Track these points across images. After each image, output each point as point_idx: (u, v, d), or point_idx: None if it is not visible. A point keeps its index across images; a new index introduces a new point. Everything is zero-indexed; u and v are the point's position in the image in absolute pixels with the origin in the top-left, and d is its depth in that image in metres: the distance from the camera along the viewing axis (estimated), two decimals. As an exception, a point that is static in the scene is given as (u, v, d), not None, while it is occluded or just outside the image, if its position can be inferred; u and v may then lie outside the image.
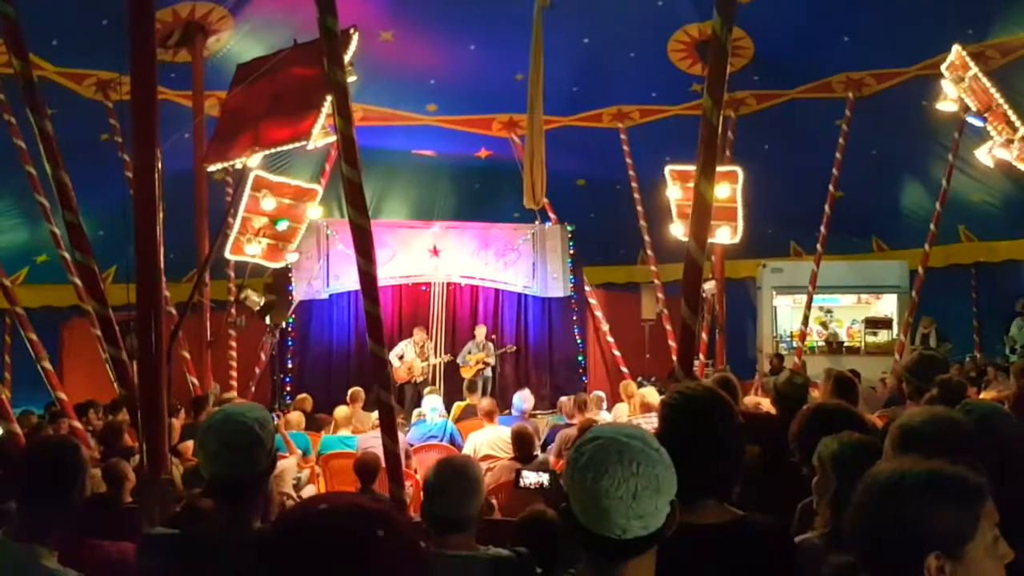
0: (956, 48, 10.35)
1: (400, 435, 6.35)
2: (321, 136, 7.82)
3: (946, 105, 10.88)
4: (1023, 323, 13.28)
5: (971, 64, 10.14)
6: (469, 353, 13.21)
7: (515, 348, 14.07)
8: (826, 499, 2.47)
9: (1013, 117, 9.89)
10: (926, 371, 4.51)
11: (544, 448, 7.79)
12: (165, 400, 4.46)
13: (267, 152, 8.03)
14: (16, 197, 11.56)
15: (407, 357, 12.95)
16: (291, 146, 7.93)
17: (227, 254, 10.32)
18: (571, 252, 14.63)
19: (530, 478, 3.40)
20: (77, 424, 8.36)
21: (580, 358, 14.74)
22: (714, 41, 4.98)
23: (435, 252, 13.96)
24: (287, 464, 7.10)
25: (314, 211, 11.01)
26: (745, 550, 2.03)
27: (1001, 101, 9.95)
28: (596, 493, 1.45)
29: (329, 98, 6.21)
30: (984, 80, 10.05)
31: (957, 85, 10.34)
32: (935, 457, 1.76)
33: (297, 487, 7.38)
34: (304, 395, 10.76)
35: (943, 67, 10.54)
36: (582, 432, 1.80)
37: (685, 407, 2.16)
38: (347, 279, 13.28)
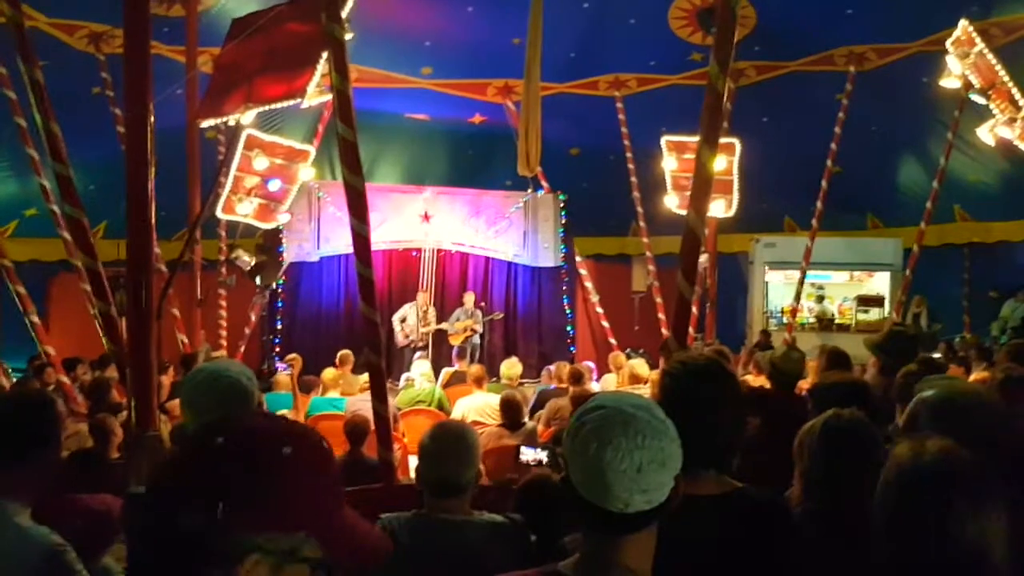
0: (963, 23, 10.24)
1: (389, 399, 6.34)
2: (316, 94, 7.70)
3: (949, 82, 10.80)
4: (1016, 304, 13.31)
5: (977, 40, 10.04)
6: (457, 320, 13.19)
7: (502, 315, 14.04)
8: (798, 471, 2.43)
9: (1017, 95, 9.82)
10: (895, 346, 4.49)
11: (532, 414, 7.80)
12: (154, 357, 4.41)
13: (261, 109, 7.90)
14: (6, 149, 11.41)
15: (409, 321, 12.92)
16: (285, 103, 7.80)
17: (219, 213, 10.23)
18: (563, 222, 14.57)
19: (528, 454, 3.39)
20: (64, 379, 8.31)
21: (568, 328, 14.75)
22: (722, 6, 4.89)
23: (426, 218, 13.88)
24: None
25: (306, 172, 10.90)
26: (743, 522, 2.02)
27: (1006, 79, 9.88)
28: (599, 465, 1.40)
29: (325, 55, 6.10)
30: (990, 57, 9.96)
31: (962, 61, 10.26)
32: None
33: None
34: (294, 355, 10.71)
35: (948, 42, 10.44)
36: (575, 403, 1.75)
37: (687, 377, 2.13)
38: (338, 242, 13.22)
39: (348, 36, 5.73)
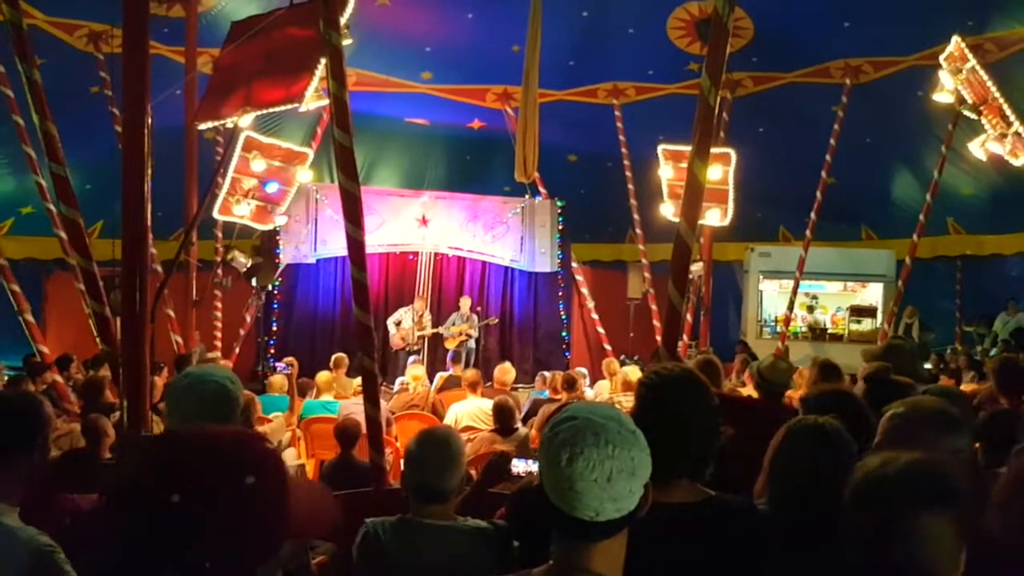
0: (956, 39, 10.32)
1: (382, 403, 6.36)
2: (314, 99, 7.74)
3: (942, 96, 10.85)
4: (1008, 318, 13.35)
5: (970, 56, 10.11)
6: (453, 324, 13.22)
7: (497, 320, 14.06)
8: (764, 465, 2.46)
9: (1008, 111, 9.89)
10: (892, 361, 4.50)
11: (525, 421, 7.82)
12: (148, 358, 4.43)
13: (259, 112, 7.95)
14: (3, 147, 11.43)
15: (404, 325, 12.95)
16: (283, 107, 7.85)
17: (215, 214, 10.26)
18: (560, 228, 14.61)
19: (520, 466, 3.43)
20: (58, 378, 8.31)
21: (564, 334, 14.77)
22: (715, 20, 4.93)
23: (424, 222, 13.90)
24: (273, 427, 7.10)
25: (304, 175, 10.95)
26: (715, 529, 2.06)
27: (997, 95, 9.94)
28: (570, 475, 1.45)
29: (323, 61, 6.14)
30: (981, 73, 10.03)
31: (955, 77, 10.32)
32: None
33: (277, 450, 7.39)
34: (291, 358, 10.75)
35: (942, 58, 10.50)
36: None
37: (660, 387, 2.19)
38: (335, 244, 13.23)
39: (347, 42, 5.78)
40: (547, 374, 9.95)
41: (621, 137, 13.80)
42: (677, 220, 5.35)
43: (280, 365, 9.16)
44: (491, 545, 2.64)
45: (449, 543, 2.59)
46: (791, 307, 13.56)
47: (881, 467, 1.61)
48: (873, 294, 14.82)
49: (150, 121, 4.52)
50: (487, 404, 7.30)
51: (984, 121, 10.15)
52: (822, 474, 2.20)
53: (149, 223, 4.55)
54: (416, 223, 13.88)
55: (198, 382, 2.22)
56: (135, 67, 4.50)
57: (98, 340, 5.80)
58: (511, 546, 2.70)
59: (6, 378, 8.82)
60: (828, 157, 12.62)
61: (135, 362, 4.35)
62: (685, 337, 12.85)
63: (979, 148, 10.43)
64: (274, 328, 13.45)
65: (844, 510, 1.63)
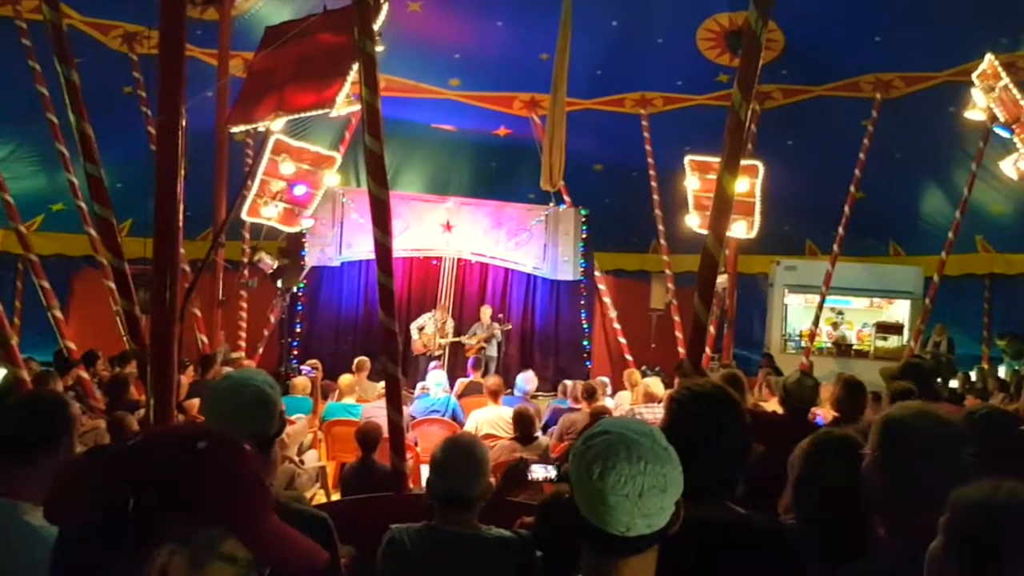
0: (989, 57, 10.23)
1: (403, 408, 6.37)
2: (345, 104, 7.80)
3: (974, 114, 10.74)
4: None
5: (1003, 74, 10.01)
6: (474, 335, 13.25)
7: (510, 327, 13.99)
8: (789, 480, 2.45)
9: (1040, 130, 9.79)
10: (910, 379, 4.47)
11: (545, 430, 7.81)
12: (176, 357, 4.46)
13: (291, 117, 8.02)
14: (36, 144, 11.59)
15: (427, 331, 13.00)
16: (315, 112, 7.92)
17: (244, 215, 10.35)
18: (583, 236, 14.60)
19: (538, 472, 3.44)
20: (84, 374, 8.40)
21: (585, 343, 14.75)
22: (748, 34, 4.91)
23: (448, 227, 13.95)
24: (296, 429, 7.14)
25: (331, 178, 11.02)
26: (744, 548, 2.04)
27: (1030, 114, 9.85)
28: (602, 489, 1.44)
29: (355, 67, 6.18)
30: (1014, 91, 9.92)
31: (987, 94, 10.22)
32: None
33: (299, 452, 7.43)
34: (315, 361, 10.81)
35: (974, 75, 10.41)
36: (594, 420, 1.79)
37: (693, 403, 2.17)
38: (360, 248, 13.32)
39: (379, 48, 5.81)
40: (568, 383, 9.94)
41: (647, 147, 13.78)
42: (702, 231, 5.34)
43: (305, 368, 9.22)
44: (515, 555, 2.65)
45: (474, 552, 2.59)
46: (816, 322, 13.45)
47: (989, 497, 1.55)
48: (900, 311, 14.68)
49: (184, 123, 4.55)
50: (507, 412, 7.30)
51: (1016, 140, 10.04)
52: (848, 488, 2.18)
53: (181, 225, 4.59)
54: (440, 228, 13.94)
55: (238, 385, 2.23)
56: (170, 69, 4.53)
57: (126, 338, 5.85)
58: (534, 557, 2.71)
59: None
60: (857, 171, 12.54)
61: (163, 361, 4.38)
62: (708, 350, 12.79)
63: (1011, 167, 10.31)
64: (298, 330, 13.55)
65: (943, 538, 1.57)
